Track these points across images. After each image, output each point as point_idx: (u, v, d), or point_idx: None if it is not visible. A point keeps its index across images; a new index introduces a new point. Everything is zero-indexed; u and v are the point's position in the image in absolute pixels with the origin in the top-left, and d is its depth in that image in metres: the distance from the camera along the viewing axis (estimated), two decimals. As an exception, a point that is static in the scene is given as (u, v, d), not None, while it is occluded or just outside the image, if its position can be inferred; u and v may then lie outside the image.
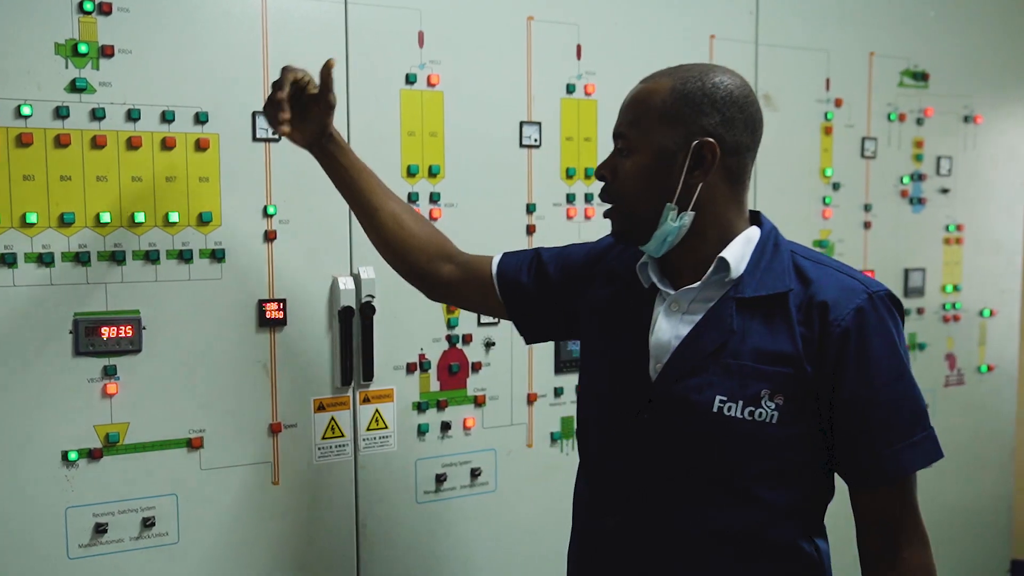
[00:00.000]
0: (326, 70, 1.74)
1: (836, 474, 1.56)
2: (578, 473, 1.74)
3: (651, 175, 1.51)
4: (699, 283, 1.53)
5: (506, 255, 1.86)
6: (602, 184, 1.59)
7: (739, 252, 1.52)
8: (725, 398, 1.48)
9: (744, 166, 1.54)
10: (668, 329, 1.55)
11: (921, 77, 2.96)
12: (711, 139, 1.48)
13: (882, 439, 1.46)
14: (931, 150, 3.00)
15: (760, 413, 1.47)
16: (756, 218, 1.60)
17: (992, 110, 3.12)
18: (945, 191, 3.04)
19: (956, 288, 3.09)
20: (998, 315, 3.20)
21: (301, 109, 1.76)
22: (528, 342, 1.90)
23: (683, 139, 1.48)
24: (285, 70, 1.72)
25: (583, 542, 1.70)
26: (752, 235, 1.55)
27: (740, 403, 1.48)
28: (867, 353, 1.45)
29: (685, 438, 1.52)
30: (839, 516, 1.60)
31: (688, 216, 1.50)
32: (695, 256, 1.54)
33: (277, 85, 1.70)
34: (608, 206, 1.59)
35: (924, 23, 2.96)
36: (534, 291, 1.81)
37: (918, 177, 2.98)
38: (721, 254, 1.51)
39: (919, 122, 2.97)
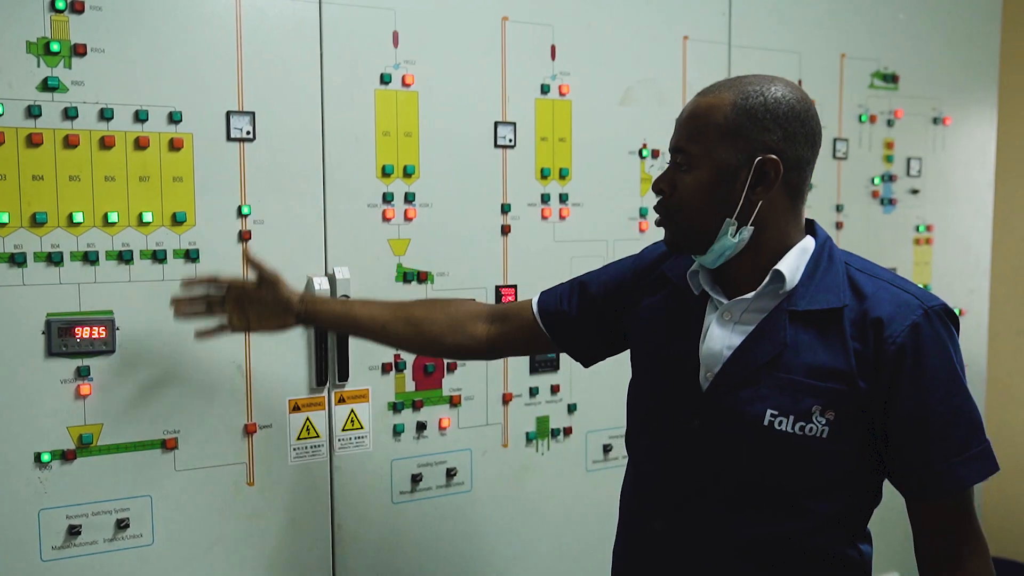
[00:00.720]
0: (251, 258, 1.88)
1: (886, 482, 1.57)
2: (626, 475, 1.74)
3: (712, 191, 1.49)
4: (753, 294, 1.52)
5: (544, 293, 1.88)
6: (658, 198, 1.57)
7: (794, 264, 1.51)
8: (776, 412, 1.48)
9: (804, 179, 1.54)
10: (720, 338, 1.54)
11: (891, 79, 2.99)
12: (774, 156, 1.47)
13: (938, 454, 1.45)
14: (901, 151, 3.03)
15: (811, 428, 1.47)
16: (810, 226, 1.60)
17: (960, 112, 3.16)
18: (915, 192, 3.07)
19: (926, 288, 3.11)
20: (967, 314, 3.23)
21: (250, 303, 1.88)
22: (586, 365, 1.90)
23: (746, 155, 1.47)
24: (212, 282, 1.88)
25: (631, 544, 1.70)
26: (807, 245, 1.55)
27: (791, 418, 1.48)
28: (922, 370, 1.44)
29: (734, 448, 1.52)
30: (875, 519, 1.62)
31: (748, 231, 1.50)
32: (750, 267, 1.53)
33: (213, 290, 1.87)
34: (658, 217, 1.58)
35: (894, 26, 2.99)
36: (579, 317, 1.81)
37: (889, 178, 3.01)
38: (777, 266, 1.50)
39: (889, 123, 3.00)
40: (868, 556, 1.60)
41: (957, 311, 3.14)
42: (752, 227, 1.50)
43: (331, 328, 1.95)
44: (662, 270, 1.71)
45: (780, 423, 1.48)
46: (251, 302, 1.88)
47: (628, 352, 1.76)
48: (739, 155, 1.47)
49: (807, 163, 1.53)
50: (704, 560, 1.56)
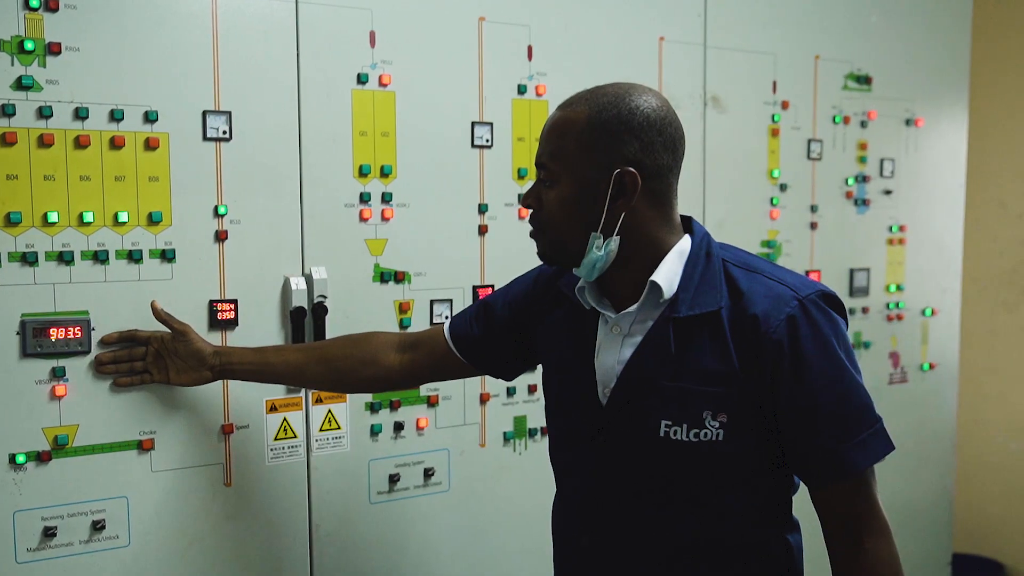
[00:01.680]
0: (156, 312, 1.92)
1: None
2: (555, 495, 1.76)
3: (574, 205, 1.51)
4: (635, 306, 1.54)
5: (453, 319, 1.90)
6: (529, 212, 1.58)
7: (671, 271, 1.52)
8: (670, 422, 1.50)
9: (668, 186, 1.54)
10: (611, 353, 1.56)
11: (864, 80, 3.02)
12: (631, 168, 1.48)
13: (830, 441, 1.47)
14: (874, 152, 3.06)
15: (705, 433, 1.49)
16: (688, 224, 1.60)
17: (932, 114, 3.19)
18: (888, 192, 3.10)
19: (899, 288, 3.15)
20: (939, 314, 3.26)
21: (168, 356, 1.91)
22: (508, 380, 1.93)
23: (604, 169, 1.48)
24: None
25: (563, 561, 1.72)
26: (684, 247, 1.55)
27: (685, 426, 1.49)
28: (802, 361, 1.46)
29: (639, 460, 1.55)
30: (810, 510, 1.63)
31: (614, 242, 1.51)
32: (631, 277, 1.54)
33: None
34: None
35: (867, 28, 3.02)
36: (488, 338, 1.83)
37: (862, 179, 3.03)
38: (652, 277, 1.51)
39: (863, 125, 3.02)
40: (796, 545, 1.63)
41: (929, 311, 3.20)
42: (618, 237, 1.51)
43: (249, 378, 1.97)
44: (559, 286, 1.71)
45: (675, 432, 1.50)
46: (168, 355, 1.92)
47: None
48: (598, 169, 1.48)
49: (669, 170, 1.53)
50: (632, 569, 1.58)
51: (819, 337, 1.48)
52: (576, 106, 1.52)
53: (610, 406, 1.55)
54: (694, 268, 1.53)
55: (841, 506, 1.51)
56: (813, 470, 1.51)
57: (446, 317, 2.29)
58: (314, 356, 1.94)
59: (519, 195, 2.38)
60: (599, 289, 1.60)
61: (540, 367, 1.81)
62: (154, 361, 1.92)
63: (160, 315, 1.91)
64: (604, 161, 1.48)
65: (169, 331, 1.92)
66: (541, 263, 1.77)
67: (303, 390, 2.12)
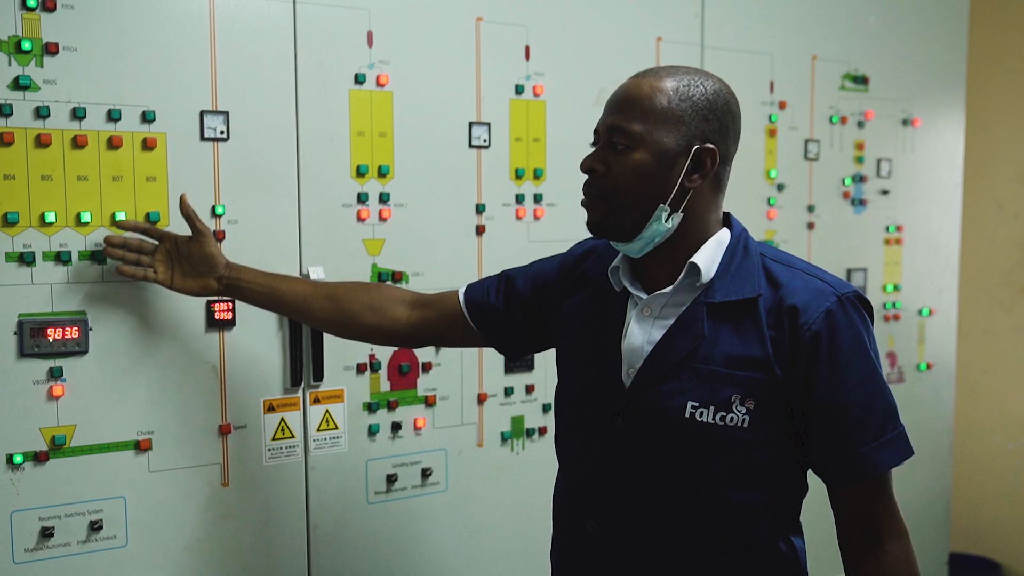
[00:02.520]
0: (184, 207, 1.87)
1: (810, 472, 1.59)
2: (557, 477, 1.75)
3: (650, 174, 1.50)
4: (670, 288, 1.54)
5: (471, 285, 1.89)
6: (588, 177, 1.57)
7: (710, 256, 1.53)
8: (697, 404, 1.50)
9: (727, 173, 1.57)
10: (640, 334, 1.56)
11: (862, 81, 3.02)
12: (711, 145, 1.50)
13: (856, 439, 1.48)
14: (871, 152, 3.06)
15: (731, 418, 1.49)
16: (727, 219, 1.62)
17: (929, 114, 3.19)
18: (885, 192, 3.10)
19: (896, 288, 3.15)
20: (936, 314, 3.27)
21: (178, 259, 1.88)
22: (511, 357, 1.93)
23: (685, 142, 1.49)
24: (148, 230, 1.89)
25: (566, 547, 1.71)
26: (723, 238, 1.56)
27: (712, 408, 1.49)
28: (837, 355, 1.47)
29: (659, 443, 1.54)
30: (814, 513, 1.63)
31: (678, 218, 1.52)
32: (670, 260, 1.55)
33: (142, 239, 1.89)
34: (585, 199, 1.58)
35: (864, 28, 3.02)
36: (504, 310, 1.82)
37: (859, 179, 3.04)
38: (692, 259, 1.52)
39: (860, 125, 3.02)
40: (800, 549, 1.63)
41: (926, 311, 3.20)
42: (682, 214, 1.52)
43: (253, 300, 1.93)
44: (583, 270, 1.72)
45: (701, 414, 1.50)
46: (179, 257, 1.89)
47: None
48: (679, 141, 1.49)
49: (731, 159, 1.56)
50: (637, 558, 1.58)
51: (856, 334, 1.49)
52: (661, 77, 1.52)
53: (635, 386, 1.55)
54: (732, 258, 1.55)
55: (860, 507, 1.52)
56: (835, 468, 1.52)
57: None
58: (323, 292, 1.92)
59: (517, 195, 2.38)
60: (632, 272, 1.61)
61: (553, 350, 1.80)
62: (163, 259, 1.89)
63: (187, 209, 1.87)
64: (687, 134, 1.49)
65: (187, 234, 1.89)
66: (568, 249, 1.79)
67: (301, 391, 2.12)
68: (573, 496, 1.69)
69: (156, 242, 1.91)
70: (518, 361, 1.89)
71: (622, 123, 1.52)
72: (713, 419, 1.50)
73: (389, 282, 2.22)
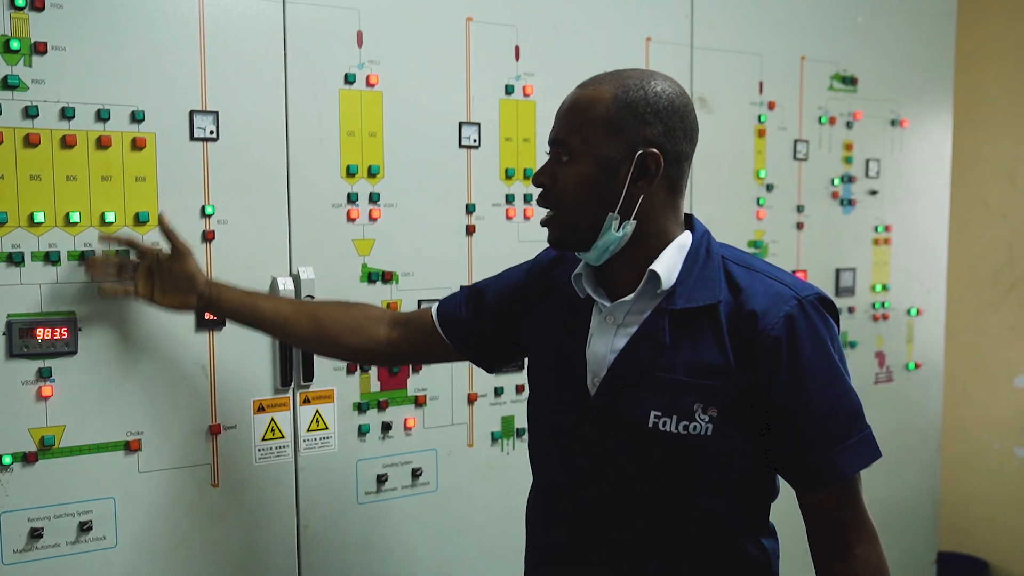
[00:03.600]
0: (163, 225, 1.87)
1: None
2: (531, 488, 1.76)
3: (594, 184, 1.50)
4: (632, 295, 1.54)
5: (443, 301, 1.89)
6: (539, 190, 1.57)
7: (670, 262, 1.52)
8: (660, 413, 1.50)
9: (683, 174, 1.55)
10: (603, 343, 1.56)
11: (850, 81, 3.03)
12: (655, 149, 1.48)
13: (820, 443, 1.48)
14: (860, 153, 3.07)
15: (694, 427, 1.49)
16: (689, 221, 1.60)
17: (917, 114, 3.21)
18: (874, 193, 3.11)
19: (885, 288, 3.16)
20: (924, 314, 3.28)
21: (160, 274, 1.87)
22: (489, 371, 1.92)
23: (627, 149, 1.48)
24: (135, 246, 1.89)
25: (538, 556, 1.72)
26: (684, 241, 1.55)
27: (674, 418, 1.49)
28: (798, 360, 1.46)
29: (625, 452, 1.54)
30: (788, 515, 1.63)
31: (630, 225, 1.51)
32: (632, 266, 1.54)
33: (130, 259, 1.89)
34: (545, 213, 1.58)
35: (853, 29, 3.03)
36: (476, 324, 1.82)
37: (848, 179, 3.05)
38: (651, 266, 1.51)
39: (848, 125, 3.04)
40: (772, 551, 1.63)
41: (915, 311, 3.22)
42: (635, 221, 1.51)
43: (233, 317, 1.92)
44: (552, 276, 1.71)
45: (664, 424, 1.49)
46: (160, 273, 1.88)
47: None
48: (620, 148, 1.48)
49: (686, 158, 1.54)
50: (607, 567, 1.58)
51: (816, 337, 1.48)
52: (601, 85, 1.52)
53: (599, 395, 1.55)
54: (693, 263, 1.53)
55: (828, 511, 1.52)
56: (801, 473, 1.52)
57: (434, 317, 2.29)
58: (304, 311, 1.91)
59: (507, 195, 2.38)
60: (595, 279, 1.60)
61: (526, 360, 1.80)
62: (144, 276, 1.88)
63: (166, 228, 1.87)
64: (627, 141, 1.48)
65: (167, 251, 1.88)
66: (536, 256, 1.78)
67: (291, 392, 2.12)
68: (545, 505, 1.70)
69: (136, 259, 1.91)
70: (476, 366, 1.90)
71: (563, 135, 1.53)
72: (676, 428, 1.49)
73: (399, 288, 2.23)
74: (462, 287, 1.91)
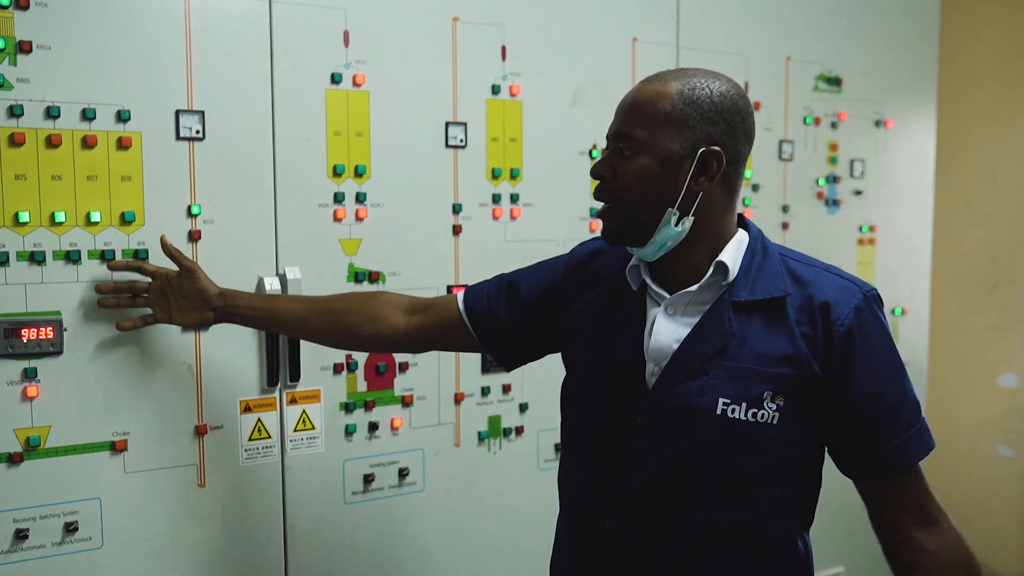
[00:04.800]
0: (166, 247, 1.90)
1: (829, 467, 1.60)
2: (564, 475, 1.74)
3: (656, 179, 1.51)
4: (697, 286, 1.55)
5: (470, 289, 1.86)
6: (597, 183, 1.58)
7: (733, 256, 1.55)
8: (729, 400, 1.50)
9: (740, 175, 1.57)
10: (668, 332, 1.56)
11: (835, 82, 3.05)
12: (717, 148, 1.50)
13: (890, 433, 1.51)
14: (845, 153, 3.09)
15: (762, 415, 1.50)
16: (742, 221, 1.62)
17: (901, 115, 3.22)
18: (858, 193, 3.13)
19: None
20: (909, 313, 3.30)
21: (172, 293, 1.90)
22: (508, 369, 1.89)
23: (690, 146, 1.50)
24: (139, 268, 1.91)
25: (581, 545, 1.69)
26: (742, 238, 1.58)
27: (744, 405, 1.50)
28: (871, 351, 1.50)
29: (685, 440, 1.53)
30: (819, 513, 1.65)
31: (688, 222, 1.52)
32: (686, 261, 1.56)
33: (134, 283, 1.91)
34: (601, 206, 1.59)
35: (837, 30, 3.05)
36: (507, 316, 1.80)
37: (833, 179, 3.06)
38: (719, 258, 1.53)
39: (833, 126, 3.05)
40: (810, 546, 1.64)
41: (900, 310, 3.24)
42: (693, 217, 1.52)
43: (250, 324, 1.95)
44: (593, 269, 1.72)
45: (733, 411, 1.50)
46: (172, 292, 1.89)
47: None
48: (684, 145, 1.50)
49: (743, 159, 1.57)
50: (658, 556, 1.57)
51: (883, 330, 1.53)
52: (666, 81, 1.53)
53: (660, 384, 1.55)
54: (752, 258, 1.56)
55: (902, 495, 1.54)
56: (869, 461, 1.53)
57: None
58: (319, 307, 1.91)
59: (493, 195, 2.39)
60: (650, 271, 1.61)
61: (559, 352, 1.78)
62: (156, 299, 1.90)
63: (169, 250, 1.89)
64: (691, 138, 1.50)
65: (176, 269, 1.89)
66: (571, 250, 1.79)
67: (277, 391, 2.12)
68: (589, 495, 1.67)
69: (148, 280, 1.92)
70: (496, 362, 1.87)
71: (626, 129, 1.53)
72: (745, 415, 1.50)
73: (384, 288, 2.22)
74: (494, 278, 1.86)
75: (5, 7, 1.80)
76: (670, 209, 1.51)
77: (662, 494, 1.56)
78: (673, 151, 1.50)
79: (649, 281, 1.59)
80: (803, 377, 1.50)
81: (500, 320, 1.81)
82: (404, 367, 2.29)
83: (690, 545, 1.55)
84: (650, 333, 1.58)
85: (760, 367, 1.50)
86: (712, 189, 1.53)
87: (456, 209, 2.34)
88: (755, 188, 2.87)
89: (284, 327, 1.94)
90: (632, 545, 1.60)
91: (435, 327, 1.86)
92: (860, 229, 3.15)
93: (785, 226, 2.95)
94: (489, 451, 2.44)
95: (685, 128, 1.50)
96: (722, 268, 1.53)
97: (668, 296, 1.57)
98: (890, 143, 3.20)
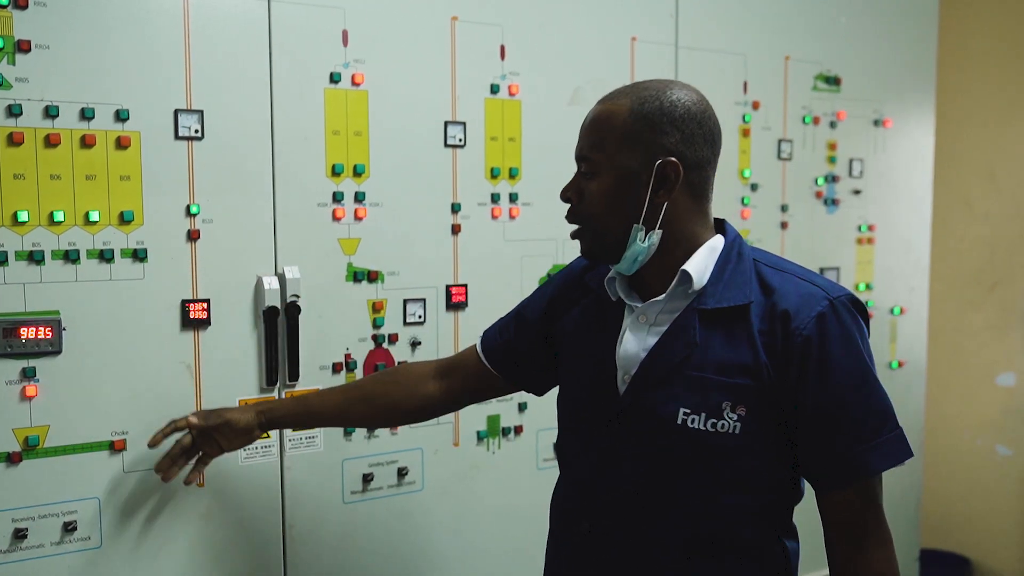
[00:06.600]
0: (189, 427, 1.92)
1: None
2: (557, 481, 1.77)
3: (616, 197, 1.53)
4: (664, 295, 1.56)
5: (485, 332, 1.90)
6: (568, 206, 1.61)
7: (702, 263, 1.55)
8: (688, 410, 1.51)
9: (706, 179, 1.57)
10: (635, 341, 1.58)
11: (834, 81, 3.05)
12: (673, 158, 1.50)
13: (845, 442, 1.49)
14: (844, 152, 3.09)
15: (722, 424, 1.50)
16: (720, 225, 1.63)
17: (900, 114, 3.22)
18: (857, 192, 3.13)
19: (868, 287, 3.18)
20: (907, 313, 3.30)
21: (215, 432, 1.93)
22: (540, 394, 1.92)
23: (646, 160, 1.51)
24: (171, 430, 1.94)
25: (560, 547, 1.73)
26: (716, 244, 1.58)
27: (703, 415, 1.51)
28: (829, 359, 1.48)
29: (652, 448, 1.55)
30: (808, 516, 1.64)
31: (656, 235, 1.53)
32: (663, 269, 1.56)
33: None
34: (575, 228, 1.61)
35: (836, 29, 3.05)
36: (521, 344, 1.83)
37: (832, 179, 3.06)
38: (684, 267, 1.53)
39: (832, 125, 3.05)
40: (794, 552, 1.64)
41: (898, 310, 3.23)
42: (660, 231, 1.53)
43: (298, 427, 2.05)
44: (585, 280, 1.74)
45: (692, 421, 1.51)
46: (215, 431, 1.92)
47: None
48: (640, 160, 1.51)
49: (707, 163, 1.56)
50: (629, 560, 1.59)
51: (847, 337, 1.50)
52: (618, 99, 1.55)
53: (629, 391, 1.57)
54: (725, 264, 1.56)
55: (847, 512, 1.52)
56: (824, 471, 1.52)
57: (419, 317, 2.29)
58: (355, 395, 1.95)
59: (492, 195, 2.38)
60: (628, 281, 1.63)
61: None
62: (203, 441, 1.93)
63: (196, 426, 1.91)
64: (646, 152, 1.51)
65: (208, 417, 1.93)
66: (569, 263, 1.82)
67: (276, 391, 2.11)
68: (569, 497, 1.71)
69: (187, 431, 1.94)
70: (528, 392, 1.90)
71: (585, 151, 1.56)
72: (704, 426, 1.51)
73: (383, 287, 2.24)
74: (508, 313, 1.91)
75: (4, 6, 1.80)
76: (635, 225, 1.53)
77: (632, 500, 1.58)
78: (630, 167, 1.52)
79: (623, 293, 1.61)
80: (763, 387, 1.49)
81: (516, 350, 1.84)
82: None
83: (662, 551, 1.57)
84: (622, 342, 1.60)
85: (720, 377, 1.50)
86: (677, 198, 1.53)
87: (455, 208, 2.34)
88: (754, 187, 2.87)
89: (328, 421, 2.00)
90: (603, 548, 1.62)
91: (464, 382, 1.91)
92: (859, 228, 3.15)
93: (784, 225, 2.95)
94: (488, 450, 2.44)
95: (639, 143, 1.51)
96: (687, 277, 1.54)
97: (641, 304, 1.59)
98: (889, 143, 3.20)
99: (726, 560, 1.56)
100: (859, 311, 1.54)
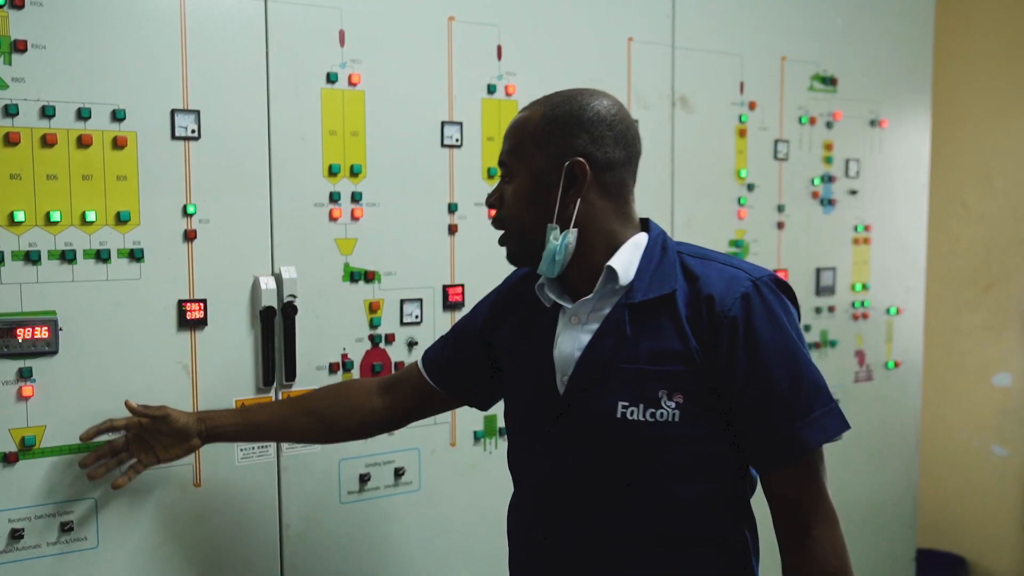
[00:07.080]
0: (131, 411, 1.89)
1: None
2: (511, 499, 1.78)
3: (531, 197, 1.58)
4: (592, 295, 1.58)
5: (427, 350, 1.92)
6: (494, 212, 1.65)
7: (626, 259, 1.57)
8: (626, 403, 1.53)
9: (621, 179, 1.60)
10: (569, 342, 1.60)
11: (830, 82, 3.05)
12: (580, 159, 1.54)
13: (781, 419, 1.49)
14: (840, 153, 3.09)
15: (661, 414, 1.52)
16: (645, 224, 1.65)
17: (896, 115, 3.23)
18: (853, 192, 3.13)
19: (865, 287, 3.18)
20: (904, 313, 3.31)
21: (151, 437, 1.90)
22: (484, 409, 1.95)
23: (555, 161, 1.55)
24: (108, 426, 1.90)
25: (520, 554, 1.73)
26: (640, 241, 1.60)
27: (641, 406, 1.52)
28: (756, 338, 1.50)
29: (596, 445, 1.57)
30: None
31: (572, 234, 1.56)
32: (588, 269, 1.59)
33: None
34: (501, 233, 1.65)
35: (833, 30, 3.05)
36: (460, 359, 1.86)
37: (828, 179, 3.06)
38: (608, 263, 1.56)
39: (829, 125, 3.05)
40: (751, 540, 1.65)
41: (894, 310, 3.24)
42: (575, 229, 1.56)
43: (238, 439, 2.01)
44: (518, 290, 1.77)
45: (631, 413, 1.53)
46: (150, 436, 1.90)
47: None
48: (550, 161, 1.56)
49: (621, 164, 1.59)
50: (590, 560, 1.60)
51: (772, 315, 1.52)
52: (533, 107, 1.61)
53: (568, 392, 1.58)
54: (650, 259, 1.58)
55: (790, 491, 1.53)
56: (764, 450, 1.53)
57: (416, 317, 2.29)
58: (298, 409, 1.95)
59: (489, 194, 2.38)
60: (560, 286, 1.64)
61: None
62: (138, 447, 1.91)
63: (136, 411, 1.89)
64: (556, 154, 1.55)
65: (143, 416, 1.90)
66: (504, 279, 1.85)
67: (273, 391, 2.11)
68: (522, 509, 1.73)
69: (123, 434, 1.92)
70: (472, 407, 1.92)
71: (503, 156, 1.63)
72: (643, 416, 1.52)
73: (380, 287, 2.25)
74: (446, 332, 1.93)
75: (0, 6, 1.79)
76: (549, 224, 1.56)
77: (583, 501, 1.60)
78: (541, 169, 1.56)
79: (554, 296, 1.63)
80: (696, 372, 1.51)
81: (456, 365, 1.87)
82: (400, 367, 2.29)
83: (620, 548, 1.58)
84: (557, 344, 1.62)
85: (653, 366, 1.52)
86: (591, 198, 1.57)
87: (452, 208, 2.34)
88: (750, 188, 2.87)
89: (270, 434, 1.99)
90: (562, 554, 1.63)
91: (407, 397, 1.93)
92: (855, 229, 3.15)
93: (780, 225, 2.95)
94: (485, 450, 2.44)
95: (548, 145, 1.56)
96: (613, 273, 1.56)
97: (571, 305, 1.61)
98: (885, 143, 3.21)
99: (686, 551, 1.57)
100: (784, 291, 1.56)
